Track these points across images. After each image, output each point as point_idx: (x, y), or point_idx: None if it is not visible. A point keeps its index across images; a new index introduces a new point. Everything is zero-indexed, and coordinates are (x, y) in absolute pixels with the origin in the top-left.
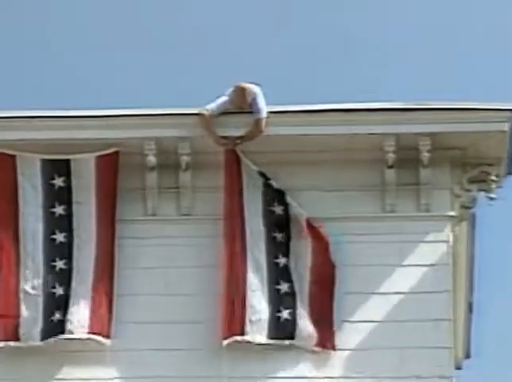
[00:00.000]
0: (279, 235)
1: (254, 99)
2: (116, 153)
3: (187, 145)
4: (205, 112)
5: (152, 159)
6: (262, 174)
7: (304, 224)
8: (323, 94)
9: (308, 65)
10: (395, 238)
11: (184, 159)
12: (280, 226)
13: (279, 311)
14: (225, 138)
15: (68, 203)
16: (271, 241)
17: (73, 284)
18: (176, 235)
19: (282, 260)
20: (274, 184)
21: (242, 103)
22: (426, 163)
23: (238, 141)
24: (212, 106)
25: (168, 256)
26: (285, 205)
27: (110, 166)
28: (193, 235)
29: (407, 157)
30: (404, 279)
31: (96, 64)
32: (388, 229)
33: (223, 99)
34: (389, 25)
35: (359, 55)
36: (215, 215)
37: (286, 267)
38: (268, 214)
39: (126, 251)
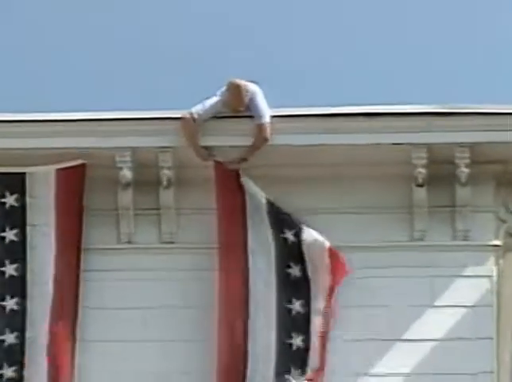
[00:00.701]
0: (294, 271)
1: (253, 100)
2: (82, 165)
3: (169, 156)
4: (189, 116)
5: (126, 174)
6: (269, 201)
7: (327, 254)
8: (338, 95)
9: (321, 62)
10: (426, 272)
11: (166, 174)
12: (294, 258)
13: (287, 371)
14: (209, 150)
15: (21, 226)
16: (283, 279)
17: (27, 329)
18: (157, 267)
19: (297, 305)
20: (284, 209)
21: (237, 105)
22: (464, 180)
23: (239, 160)
24: (199, 108)
25: (147, 294)
26: (300, 232)
27: (75, 182)
28: (178, 268)
29: (441, 173)
30: (437, 323)
31: (57, 61)
32: (417, 261)
33: (214, 99)
34: (409, 21)
35: (378, 52)
36: (205, 243)
37: (302, 315)
38: (279, 244)
39: (94, 287)
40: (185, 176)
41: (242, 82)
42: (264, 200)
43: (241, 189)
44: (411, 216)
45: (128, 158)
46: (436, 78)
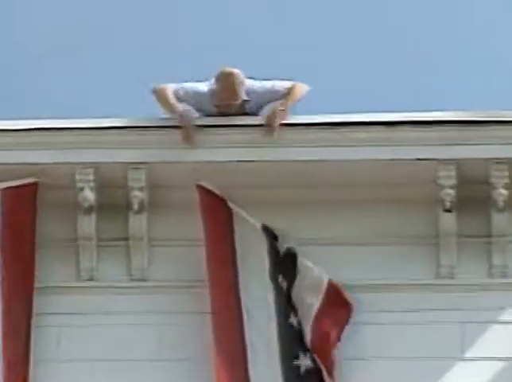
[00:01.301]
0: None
1: (252, 90)
2: (33, 185)
3: (142, 174)
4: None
5: (88, 195)
6: (267, 230)
7: (324, 289)
8: (347, 101)
9: (325, 61)
10: (455, 316)
11: (137, 196)
12: (292, 308)
13: None
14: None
15: None
16: (286, 330)
17: None
18: (125, 310)
19: (304, 362)
20: (284, 244)
21: (230, 96)
22: (502, 204)
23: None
24: (177, 87)
25: (114, 342)
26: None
27: (24, 205)
28: (151, 311)
29: (473, 195)
30: (468, 379)
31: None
32: (444, 303)
33: (198, 85)
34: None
35: (396, 49)
36: (184, 280)
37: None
38: (278, 285)
39: (49, 334)
40: (161, 199)
41: (236, 70)
42: (258, 226)
43: (229, 215)
44: (436, 249)
45: (90, 176)
46: (467, 80)
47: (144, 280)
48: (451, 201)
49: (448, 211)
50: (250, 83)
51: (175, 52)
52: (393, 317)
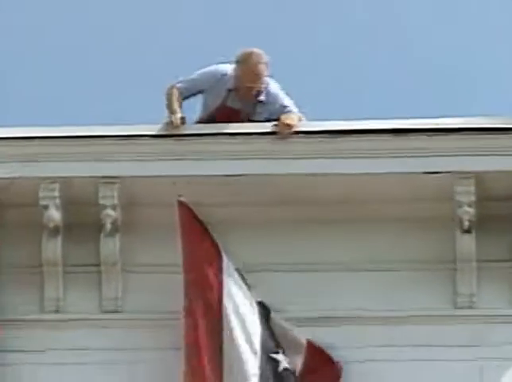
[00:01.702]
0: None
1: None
2: None
3: (115, 190)
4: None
5: (54, 214)
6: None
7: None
8: (352, 106)
9: (328, 62)
10: (474, 353)
11: (110, 215)
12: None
13: None
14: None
15: None
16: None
17: None
18: (96, 346)
19: None
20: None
21: (253, 78)
22: None
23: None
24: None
25: None
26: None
27: None
28: (124, 347)
29: (495, 214)
30: None
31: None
32: (462, 337)
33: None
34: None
35: (407, 50)
36: (164, 312)
37: None
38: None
39: (8, 373)
40: (137, 218)
41: (260, 51)
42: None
43: (216, 242)
44: (453, 275)
45: (56, 192)
46: (487, 83)
47: (117, 312)
48: (469, 221)
49: (467, 232)
50: (271, 84)
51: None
52: (404, 354)
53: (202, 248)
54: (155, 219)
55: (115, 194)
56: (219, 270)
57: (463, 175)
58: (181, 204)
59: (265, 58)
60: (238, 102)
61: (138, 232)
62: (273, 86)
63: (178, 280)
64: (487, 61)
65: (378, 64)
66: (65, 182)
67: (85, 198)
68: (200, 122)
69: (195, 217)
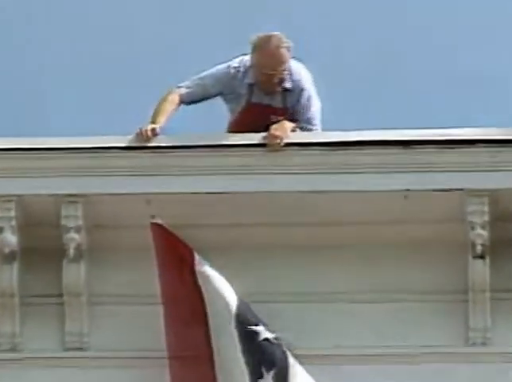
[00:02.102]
0: None
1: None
2: None
3: (78, 210)
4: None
5: (9, 238)
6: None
7: None
8: (352, 115)
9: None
10: None
11: (74, 239)
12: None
13: None
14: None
15: None
16: None
17: None
18: None
19: None
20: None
21: (274, 64)
22: None
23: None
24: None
25: None
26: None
27: None
28: None
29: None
30: None
31: None
32: (475, 377)
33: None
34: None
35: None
36: (136, 350)
37: None
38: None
39: None
40: (104, 242)
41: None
42: (234, 300)
43: (192, 267)
44: (465, 307)
45: (12, 213)
46: (503, 91)
47: (82, 350)
48: (483, 245)
49: (480, 257)
50: (296, 67)
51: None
52: None
53: (182, 276)
54: (126, 243)
55: (80, 214)
56: (202, 303)
57: (476, 193)
58: (156, 225)
59: (287, 42)
60: (264, 96)
61: (107, 258)
62: (299, 71)
63: (153, 313)
64: (505, 67)
65: (384, 70)
66: (22, 201)
67: (45, 219)
68: (231, 131)
69: (173, 240)
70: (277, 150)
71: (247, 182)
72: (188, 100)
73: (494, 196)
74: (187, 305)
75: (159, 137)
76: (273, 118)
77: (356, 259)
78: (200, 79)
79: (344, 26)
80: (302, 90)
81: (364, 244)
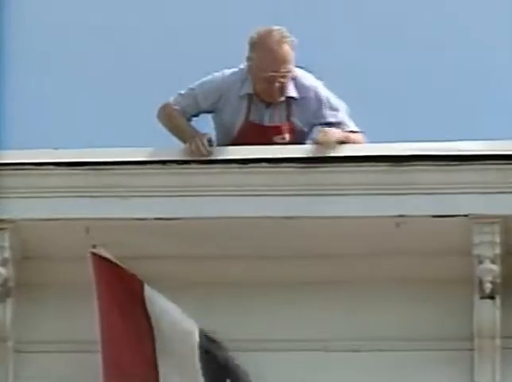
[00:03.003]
0: None
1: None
2: None
3: (5, 239)
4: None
5: None
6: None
7: None
8: None
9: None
10: None
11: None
12: None
13: None
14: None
15: None
16: None
17: None
18: None
19: None
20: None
21: (275, 65)
22: None
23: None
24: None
25: None
26: None
27: None
28: None
29: None
30: None
31: None
32: None
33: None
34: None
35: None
36: None
37: None
38: None
39: None
40: (35, 277)
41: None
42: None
43: (143, 303)
44: (470, 356)
45: None
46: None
47: None
48: (493, 282)
49: (489, 297)
50: (300, 73)
51: None
52: None
53: (127, 318)
54: (61, 278)
55: (6, 244)
56: (152, 351)
57: (485, 220)
58: (96, 257)
59: (290, 37)
60: (265, 110)
61: (38, 297)
62: (307, 76)
63: (92, 362)
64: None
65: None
66: None
67: None
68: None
69: (115, 272)
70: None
71: (205, 205)
72: (187, 116)
73: (506, 224)
74: (130, 355)
75: (99, 151)
76: (278, 139)
77: (339, 299)
78: (191, 89)
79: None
80: (316, 94)
81: (348, 282)
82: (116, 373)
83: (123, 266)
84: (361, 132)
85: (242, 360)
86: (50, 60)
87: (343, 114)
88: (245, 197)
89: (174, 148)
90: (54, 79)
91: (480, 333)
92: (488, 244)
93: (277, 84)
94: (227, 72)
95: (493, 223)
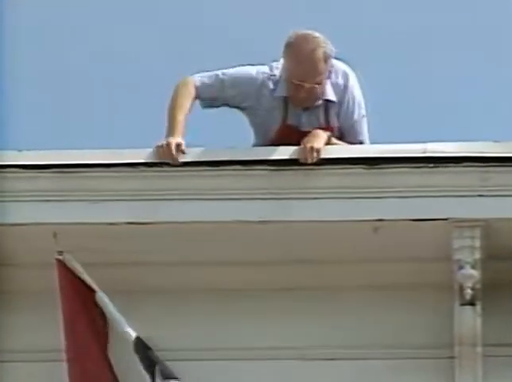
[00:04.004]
0: None
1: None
2: None
3: None
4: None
5: None
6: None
7: None
8: None
9: None
10: None
11: None
12: None
13: None
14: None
15: None
16: None
17: None
18: None
19: None
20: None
21: (304, 74)
22: None
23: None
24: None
25: None
26: None
27: None
28: None
29: (508, 280)
30: None
31: None
32: None
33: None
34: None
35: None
36: None
37: None
38: None
39: None
40: (6, 285)
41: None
42: (132, 338)
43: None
44: (451, 365)
45: None
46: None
47: None
48: (473, 288)
49: (469, 304)
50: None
51: None
52: None
53: (91, 327)
54: (27, 285)
55: None
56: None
57: (465, 224)
58: (62, 264)
59: (327, 46)
60: (302, 113)
61: (3, 306)
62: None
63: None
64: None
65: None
66: None
67: None
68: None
69: (82, 283)
70: (246, 169)
71: (177, 209)
72: (204, 96)
73: (487, 228)
74: (93, 363)
75: (67, 152)
76: None
77: (312, 306)
78: (219, 73)
79: None
80: (352, 98)
81: (325, 288)
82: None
83: (80, 275)
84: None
85: (214, 369)
86: (11, 56)
87: (358, 123)
88: (210, 201)
89: (145, 150)
90: (16, 76)
91: (461, 341)
92: (468, 249)
93: (303, 94)
94: (260, 68)
95: (473, 227)
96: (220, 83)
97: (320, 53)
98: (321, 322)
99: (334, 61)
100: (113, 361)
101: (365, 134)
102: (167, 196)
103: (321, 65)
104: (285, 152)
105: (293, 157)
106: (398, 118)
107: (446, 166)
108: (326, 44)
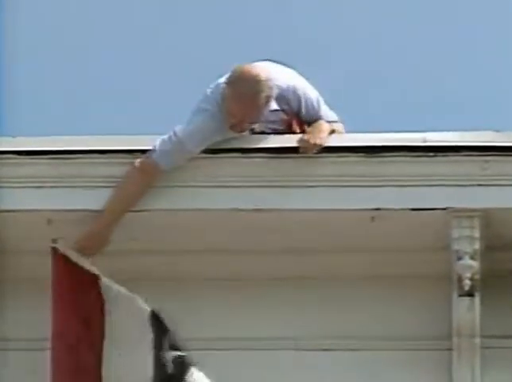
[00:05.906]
0: None
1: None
2: None
3: None
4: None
5: None
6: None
7: None
8: None
9: None
10: None
11: None
12: None
13: None
14: None
15: None
16: None
17: None
18: None
19: None
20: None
21: (251, 111)
22: None
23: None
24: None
25: None
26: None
27: None
28: None
29: (507, 271)
30: None
31: None
32: None
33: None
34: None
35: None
36: None
37: None
38: None
39: None
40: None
41: (259, 70)
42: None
43: (99, 290)
44: (448, 357)
45: None
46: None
47: None
48: (472, 279)
49: (468, 295)
50: (283, 80)
51: None
52: None
53: (83, 311)
54: (21, 272)
55: None
56: (99, 337)
57: (464, 213)
58: (56, 252)
59: (268, 88)
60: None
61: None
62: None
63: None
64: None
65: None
66: None
67: None
68: None
69: (74, 269)
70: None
71: (173, 197)
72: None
73: (487, 218)
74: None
75: (62, 138)
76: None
77: (309, 296)
78: (179, 143)
79: None
80: (294, 93)
81: (320, 278)
82: (65, 370)
83: (79, 262)
84: (338, 122)
85: (209, 359)
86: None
87: (320, 109)
88: (206, 189)
89: (140, 137)
90: (10, 61)
91: (459, 332)
92: (467, 239)
93: (243, 127)
94: (204, 116)
95: (472, 217)
96: (183, 154)
97: (262, 98)
98: (317, 312)
99: (272, 70)
100: (104, 358)
101: (329, 113)
102: (164, 183)
103: (261, 109)
104: (282, 140)
105: (291, 145)
106: (398, 106)
107: (445, 155)
108: (268, 87)
